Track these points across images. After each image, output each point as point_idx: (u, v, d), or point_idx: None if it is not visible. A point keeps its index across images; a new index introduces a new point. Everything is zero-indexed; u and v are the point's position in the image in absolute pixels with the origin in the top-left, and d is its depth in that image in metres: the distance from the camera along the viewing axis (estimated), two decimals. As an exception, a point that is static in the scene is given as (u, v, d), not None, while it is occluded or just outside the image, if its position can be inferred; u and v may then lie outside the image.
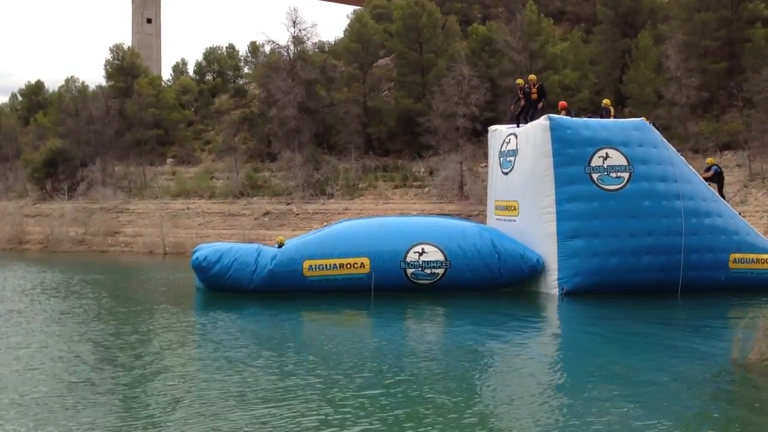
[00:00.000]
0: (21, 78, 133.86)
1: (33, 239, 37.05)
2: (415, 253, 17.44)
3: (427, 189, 33.56)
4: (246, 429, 7.60)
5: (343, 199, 33.90)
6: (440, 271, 17.46)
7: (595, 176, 17.05)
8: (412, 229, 18.25)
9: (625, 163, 17.01)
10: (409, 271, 17.44)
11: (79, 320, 14.54)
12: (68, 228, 36.36)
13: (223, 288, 17.61)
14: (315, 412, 8.18)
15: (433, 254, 17.47)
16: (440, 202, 32.23)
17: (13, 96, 54.20)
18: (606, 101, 20.04)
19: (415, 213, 30.97)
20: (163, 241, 33.93)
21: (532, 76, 20.21)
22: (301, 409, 8.26)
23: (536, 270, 17.66)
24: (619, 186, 16.98)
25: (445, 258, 17.47)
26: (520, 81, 20.59)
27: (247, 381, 9.51)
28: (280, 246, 18.09)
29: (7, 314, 15.10)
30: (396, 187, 34.21)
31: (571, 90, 32.20)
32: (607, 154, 17.03)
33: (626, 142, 17.18)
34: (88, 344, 12.08)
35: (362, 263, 17.34)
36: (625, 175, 16.99)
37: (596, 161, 17.03)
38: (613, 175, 16.99)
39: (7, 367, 10.33)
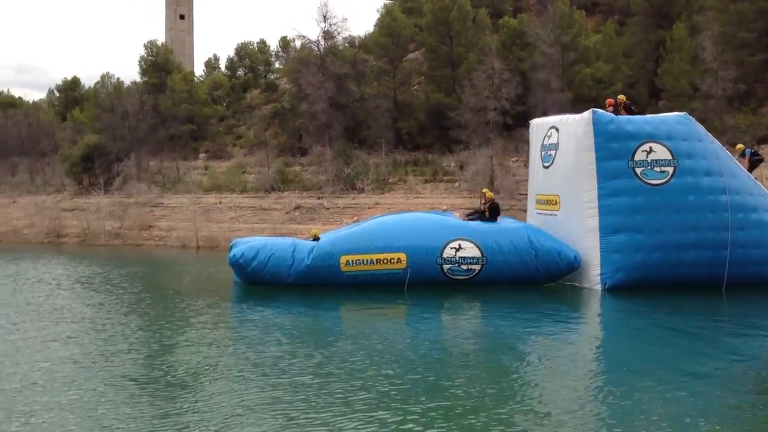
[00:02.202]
0: (58, 74, 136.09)
1: (70, 233, 37.63)
2: (451, 248, 17.48)
3: (457, 183, 33.54)
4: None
5: (374, 194, 34.00)
6: (477, 267, 17.51)
7: (638, 170, 16.99)
8: (449, 225, 18.30)
9: (669, 157, 16.93)
10: (446, 266, 17.50)
11: (118, 312, 14.83)
12: (104, 222, 36.92)
13: (261, 283, 17.78)
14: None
15: (470, 250, 17.50)
16: (471, 197, 32.15)
17: (51, 92, 55.18)
18: (621, 97, 19.54)
19: (445, 208, 31.00)
20: (196, 235, 34.30)
21: (621, 97, 19.55)
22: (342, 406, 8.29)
23: (573, 267, 17.66)
24: (664, 180, 16.90)
25: (482, 254, 17.50)
26: (611, 100, 19.52)
27: (286, 378, 9.45)
28: (314, 239, 18.26)
29: (48, 308, 15.36)
30: (426, 181, 34.23)
31: (603, 83, 31.98)
32: (650, 148, 16.96)
33: (670, 136, 17.09)
34: (128, 338, 12.24)
35: (399, 258, 17.42)
36: (670, 170, 16.91)
37: (640, 155, 16.97)
38: (657, 169, 16.92)
39: (40, 361, 10.45)
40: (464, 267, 17.51)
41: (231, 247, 18.51)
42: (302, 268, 17.50)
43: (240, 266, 17.85)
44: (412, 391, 8.84)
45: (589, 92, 31.44)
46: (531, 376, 9.90)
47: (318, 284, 17.47)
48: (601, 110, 17.78)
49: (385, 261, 17.46)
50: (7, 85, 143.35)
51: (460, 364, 10.39)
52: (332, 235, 18.97)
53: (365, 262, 17.47)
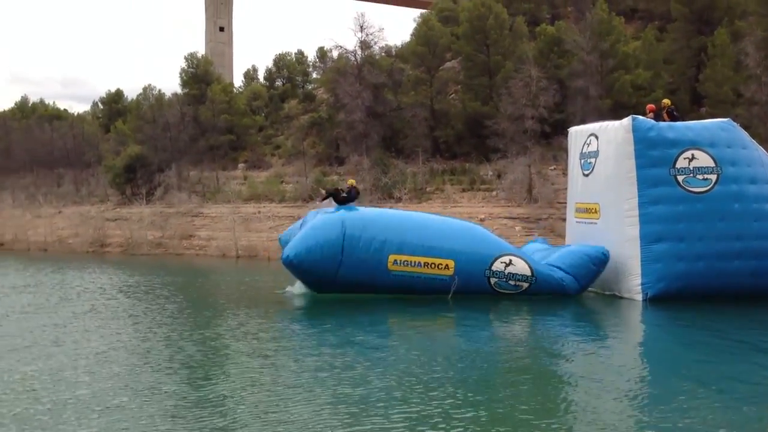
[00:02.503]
0: (102, 87, 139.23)
1: (114, 242, 38.43)
2: (501, 263, 17.36)
3: (495, 192, 33.38)
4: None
5: (411, 203, 33.98)
6: (525, 284, 17.41)
7: (680, 178, 16.74)
8: (500, 240, 18.42)
9: (712, 164, 16.66)
10: (493, 279, 17.40)
11: (161, 321, 15.00)
12: (146, 231, 37.58)
13: (311, 280, 17.82)
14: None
15: (521, 267, 17.37)
16: (508, 206, 32.02)
17: (95, 104, 56.39)
18: (666, 101, 19.41)
19: (483, 217, 30.90)
20: (236, 245, 34.72)
21: (665, 101, 19.46)
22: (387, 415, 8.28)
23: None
24: (707, 188, 16.63)
25: (532, 273, 17.37)
26: (652, 106, 19.43)
27: (331, 388, 9.40)
28: (351, 187, 18.91)
29: (93, 316, 15.65)
30: (463, 190, 34.14)
31: (644, 89, 31.61)
32: (693, 155, 16.71)
33: (713, 143, 16.82)
34: (171, 347, 12.33)
35: (447, 265, 17.27)
36: (713, 177, 16.64)
37: (681, 163, 16.73)
38: (700, 177, 16.66)
39: (81, 369, 10.53)
40: (512, 283, 17.40)
41: (280, 239, 18.88)
42: (350, 265, 17.24)
43: (293, 266, 17.61)
44: (458, 402, 8.81)
45: (629, 99, 31.09)
46: (567, 388, 9.78)
47: (364, 284, 17.39)
48: (641, 117, 17.58)
49: (434, 266, 17.30)
50: (53, 98, 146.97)
51: (508, 376, 10.30)
52: (379, 217, 18.41)
53: (413, 264, 17.29)
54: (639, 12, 40.69)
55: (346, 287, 17.50)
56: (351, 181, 20.32)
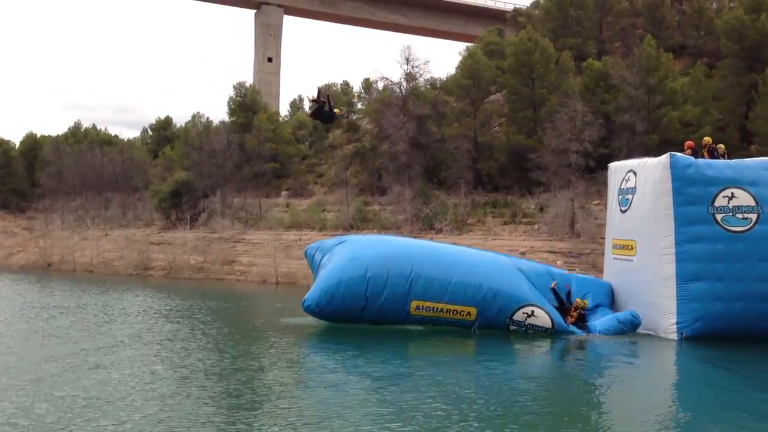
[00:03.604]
0: (152, 114, 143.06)
1: (157, 266, 39.13)
2: (524, 313, 17.10)
3: (537, 226, 33.00)
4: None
5: (452, 234, 33.81)
6: (542, 334, 17.15)
7: (719, 217, 16.31)
8: (526, 286, 17.64)
9: (753, 203, 16.19)
10: (512, 327, 17.22)
11: (199, 348, 15.05)
12: (189, 256, 38.17)
13: (333, 321, 17.73)
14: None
15: (542, 319, 17.08)
16: (550, 239, 31.60)
17: (144, 131, 57.96)
18: (707, 139, 18.93)
19: (524, 250, 30.52)
20: (276, 271, 34.97)
21: (706, 139, 19.12)
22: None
23: None
24: (746, 228, 16.15)
25: (552, 326, 17.10)
26: (690, 142, 19.05)
27: (369, 417, 9.33)
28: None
29: (136, 340, 15.72)
30: (505, 223, 33.85)
31: (691, 126, 31.01)
32: (732, 194, 16.28)
33: (755, 182, 16.37)
34: (209, 373, 12.33)
35: (469, 312, 17.11)
36: (753, 216, 16.15)
37: (720, 201, 16.31)
38: (740, 216, 16.19)
39: (113, 392, 10.53)
40: (530, 332, 17.16)
41: (304, 301, 17.64)
42: (374, 311, 17.22)
43: (315, 314, 17.56)
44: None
45: (676, 136, 30.51)
46: (602, 425, 9.57)
47: (386, 322, 17.37)
48: (679, 154, 17.23)
49: (456, 312, 17.15)
50: (105, 123, 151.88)
51: (539, 415, 10.01)
52: (403, 254, 17.83)
53: (435, 310, 17.18)
54: (688, 48, 40.12)
55: (368, 323, 17.52)
56: (337, 110, 17.54)
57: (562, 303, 17.81)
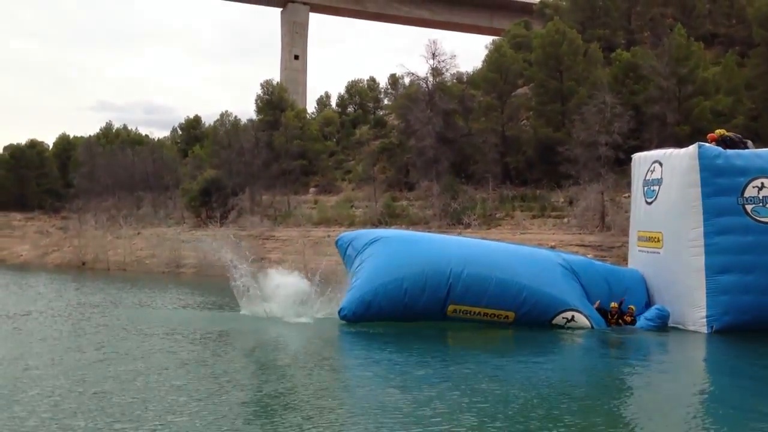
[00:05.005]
0: (182, 113, 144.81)
1: (188, 263, 39.57)
2: (563, 318, 16.87)
3: (566, 219, 32.69)
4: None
5: (480, 229, 33.65)
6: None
7: (748, 207, 15.99)
8: (568, 289, 17.20)
9: (784, 193, 15.85)
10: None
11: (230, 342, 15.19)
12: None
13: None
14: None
15: (582, 323, 16.84)
16: (580, 233, 31.25)
17: (174, 130, 58.74)
18: (720, 131, 18.21)
19: (553, 244, 30.25)
20: (305, 268, 35.07)
21: (718, 131, 18.48)
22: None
23: None
24: (778, 218, 15.81)
25: (591, 329, 16.82)
26: (713, 135, 18.31)
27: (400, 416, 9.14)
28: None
29: (168, 339, 15.64)
30: (534, 217, 33.57)
31: (723, 116, 30.42)
32: (762, 184, 15.95)
33: (786, 172, 16.00)
34: (241, 371, 12.26)
35: (507, 316, 16.91)
36: (785, 207, 15.81)
37: (750, 191, 15.99)
38: (770, 206, 15.86)
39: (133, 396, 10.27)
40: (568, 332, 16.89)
41: (340, 309, 17.12)
42: (411, 314, 16.91)
43: (352, 321, 17.04)
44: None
45: (708, 126, 29.86)
46: (630, 419, 9.50)
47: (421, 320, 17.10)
48: (707, 144, 16.91)
49: (493, 315, 16.94)
50: (136, 123, 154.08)
51: (574, 410, 9.79)
52: (442, 252, 17.46)
53: (472, 313, 16.94)
54: (719, 37, 39.38)
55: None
56: None
57: (608, 318, 17.28)
